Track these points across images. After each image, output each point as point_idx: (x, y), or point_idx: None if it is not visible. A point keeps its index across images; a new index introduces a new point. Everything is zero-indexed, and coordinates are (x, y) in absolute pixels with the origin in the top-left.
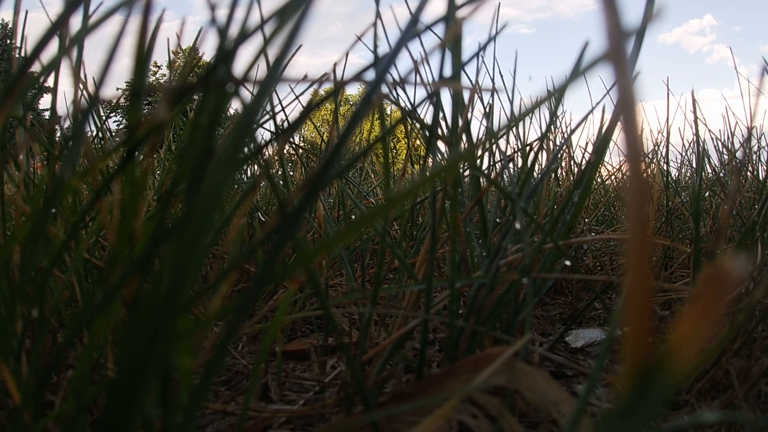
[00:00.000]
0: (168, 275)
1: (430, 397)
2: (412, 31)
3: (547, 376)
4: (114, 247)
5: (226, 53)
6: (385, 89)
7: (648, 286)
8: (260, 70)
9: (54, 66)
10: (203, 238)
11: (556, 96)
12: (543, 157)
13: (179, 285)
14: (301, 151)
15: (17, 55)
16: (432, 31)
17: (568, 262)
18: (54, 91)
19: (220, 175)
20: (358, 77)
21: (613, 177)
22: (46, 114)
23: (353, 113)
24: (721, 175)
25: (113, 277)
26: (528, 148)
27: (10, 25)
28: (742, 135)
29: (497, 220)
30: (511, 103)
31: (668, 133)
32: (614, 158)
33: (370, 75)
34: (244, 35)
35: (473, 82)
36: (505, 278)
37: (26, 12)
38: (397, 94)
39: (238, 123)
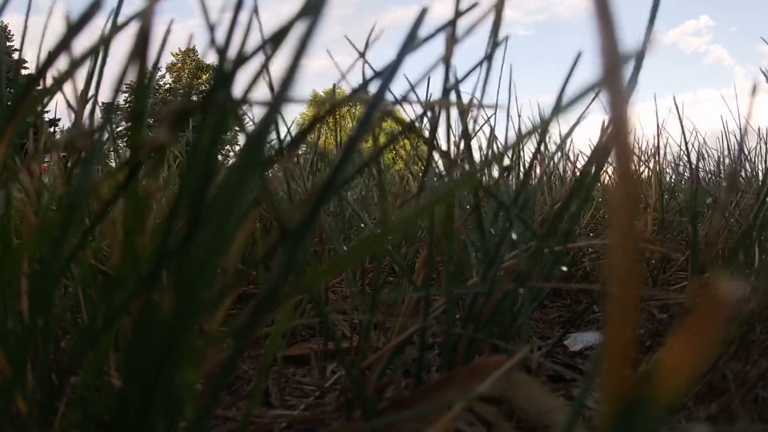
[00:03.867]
0: (174, 299)
1: (428, 405)
2: (411, 44)
3: (543, 386)
4: (118, 265)
5: (225, 76)
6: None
7: (633, 310)
8: (261, 88)
9: (66, 77)
10: (213, 259)
11: (548, 119)
12: (538, 168)
13: (187, 309)
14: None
15: (20, 60)
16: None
17: (565, 268)
18: (67, 103)
19: (229, 200)
20: (361, 87)
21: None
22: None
23: (353, 132)
24: (721, 177)
25: (118, 295)
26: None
27: (9, 27)
28: (741, 133)
29: (491, 231)
30: (508, 116)
31: (658, 143)
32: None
33: (371, 87)
34: (242, 59)
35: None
36: (501, 286)
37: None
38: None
39: (244, 148)
